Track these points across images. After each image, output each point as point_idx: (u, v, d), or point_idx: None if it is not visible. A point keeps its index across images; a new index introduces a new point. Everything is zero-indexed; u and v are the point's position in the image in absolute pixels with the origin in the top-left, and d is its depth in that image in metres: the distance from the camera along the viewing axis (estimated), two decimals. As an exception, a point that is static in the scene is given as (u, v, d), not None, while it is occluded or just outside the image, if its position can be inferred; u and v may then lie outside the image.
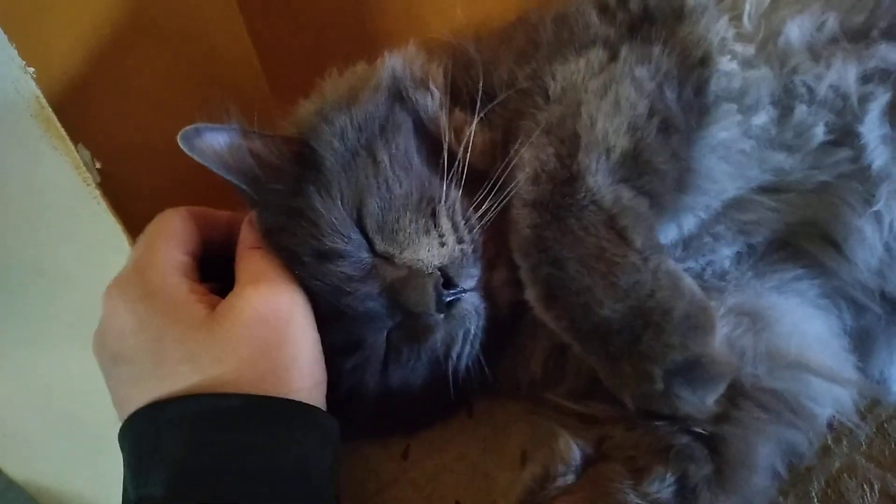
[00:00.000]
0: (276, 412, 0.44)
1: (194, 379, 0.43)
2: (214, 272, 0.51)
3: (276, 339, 0.45)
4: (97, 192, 0.60)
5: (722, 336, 0.44)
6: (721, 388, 0.43)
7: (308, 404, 0.45)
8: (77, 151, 0.57)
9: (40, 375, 0.77)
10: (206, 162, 0.50)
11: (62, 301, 0.69)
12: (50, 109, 0.55)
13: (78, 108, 0.57)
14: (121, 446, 0.44)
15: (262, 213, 0.51)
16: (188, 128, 0.50)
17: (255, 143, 0.52)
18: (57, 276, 0.67)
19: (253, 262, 0.49)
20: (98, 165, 0.59)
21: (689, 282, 0.44)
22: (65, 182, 0.59)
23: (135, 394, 0.44)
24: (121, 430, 0.44)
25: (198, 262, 0.50)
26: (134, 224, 0.61)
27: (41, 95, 0.54)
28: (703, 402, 0.43)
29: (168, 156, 0.63)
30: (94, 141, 0.58)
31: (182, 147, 0.50)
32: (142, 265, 0.48)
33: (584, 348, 0.45)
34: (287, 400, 0.44)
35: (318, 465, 0.44)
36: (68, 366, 0.74)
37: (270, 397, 0.43)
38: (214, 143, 0.51)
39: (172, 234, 0.50)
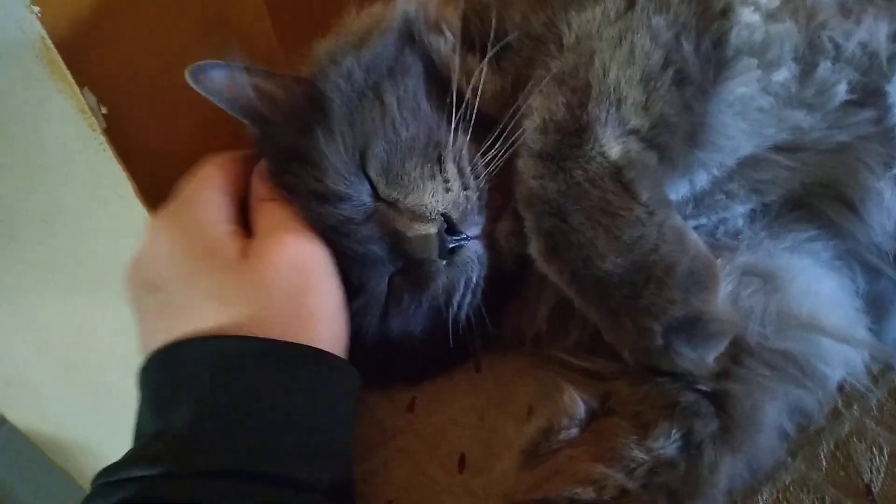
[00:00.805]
0: (301, 358, 0.44)
1: (219, 317, 0.43)
2: None
3: (303, 286, 0.46)
4: (103, 139, 0.59)
5: (726, 294, 0.44)
6: (721, 346, 0.43)
7: (331, 353, 0.45)
8: (83, 95, 0.56)
9: (44, 323, 0.77)
10: (211, 97, 0.51)
11: (67, 248, 0.69)
12: (55, 51, 0.54)
13: (84, 50, 0.56)
14: (140, 382, 0.45)
15: (266, 151, 0.51)
16: (194, 64, 0.50)
17: (260, 81, 0.52)
18: (61, 223, 0.67)
19: (271, 213, 0.49)
20: (104, 110, 0.58)
21: (694, 237, 0.43)
22: (70, 127, 0.58)
23: (161, 325, 0.45)
24: (142, 367, 0.45)
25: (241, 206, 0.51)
26: (140, 172, 0.60)
27: (46, 36, 0.53)
28: (702, 359, 0.42)
29: (176, 103, 0.63)
30: (101, 85, 0.57)
31: (189, 82, 0.50)
32: (188, 200, 0.49)
33: (585, 302, 0.44)
34: (311, 347, 0.44)
35: (338, 413, 0.45)
36: (73, 313, 0.75)
37: (295, 343, 0.44)
38: (219, 79, 0.51)
39: (219, 176, 0.51)
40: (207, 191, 0.50)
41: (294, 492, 0.41)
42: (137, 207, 0.61)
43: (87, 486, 0.98)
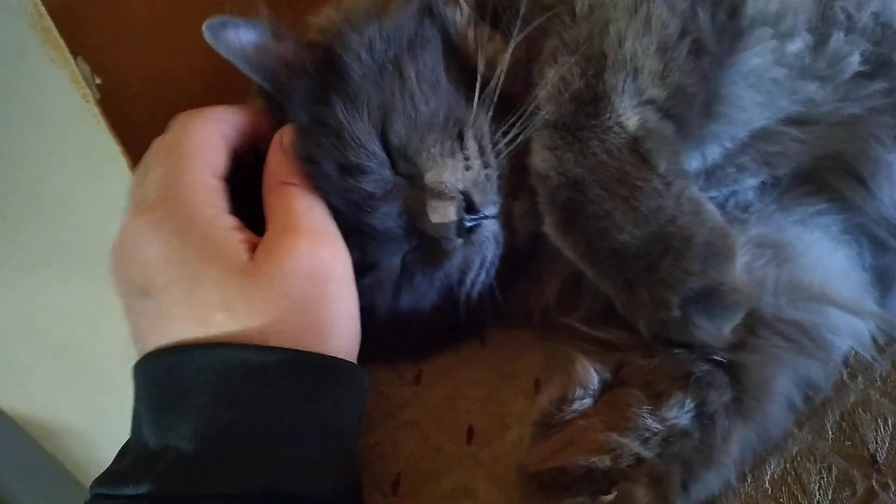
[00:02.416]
0: (315, 369, 0.42)
1: (230, 328, 0.41)
2: (241, 171, 0.48)
3: (318, 295, 0.43)
4: (97, 110, 0.57)
5: (742, 265, 0.44)
6: (739, 317, 0.43)
7: (346, 361, 0.43)
8: (76, 65, 0.55)
9: (34, 303, 0.76)
10: (229, 55, 0.48)
11: (59, 226, 0.67)
12: (49, 18, 0.52)
13: (78, 17, 0.54)
14: (137, 381, 0.42)
15: (286, 115, 0.49)
16: (215, 19, 0.47)
17: (281, 44, 0.50)
18: (54, 199, 0.65)
19: (289, 202, 0.45)
20: (98, 81, 0.56)
21: (711, 209, 0.43)
22: (63, 98, 0.56)
23: (158, 330, 0.42)
24: (139, 364, 0.42)
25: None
26: (135, 145, 0.59)
27: (39, 3, 0.52)
28: (719, 330, 0.43)
29: (172, 74, 0.61)
30: (95, 54, 0.56)
31: (207, 39, 0.47)
32: (172, 189, 0.44)
33: (600, 274, 0.44)
34: (326, 356, 0.42)
35: (350, 422, 0.44)
36: (65, 294, 0.73)
37: (309, 353, 0.41)
38: (239, 37, 0.48)
39: (201, 151, 0.46)
40: (192, 173, 0.44)
41: None
42: (132, 183, 0.59)
43: (75, 471, 0.97)
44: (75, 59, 0.54)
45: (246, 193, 0.47)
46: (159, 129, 0.60)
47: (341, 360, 0.43)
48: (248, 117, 0.50)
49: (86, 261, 0.68)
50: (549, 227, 0.45)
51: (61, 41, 0.53)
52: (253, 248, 0.43)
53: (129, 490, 0.38)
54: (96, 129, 0.58)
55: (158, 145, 0.48)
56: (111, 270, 0.45)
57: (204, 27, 0.47)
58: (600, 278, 0.44)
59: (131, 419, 0.43)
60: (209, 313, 0.41)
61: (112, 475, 0.39)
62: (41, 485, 0.95)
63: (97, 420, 0.87)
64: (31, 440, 0.93)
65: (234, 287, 0.41)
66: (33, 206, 0.66)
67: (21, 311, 0.78)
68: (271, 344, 0.41)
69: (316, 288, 0.43)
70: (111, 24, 0.58)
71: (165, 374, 0.41)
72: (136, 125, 0.59)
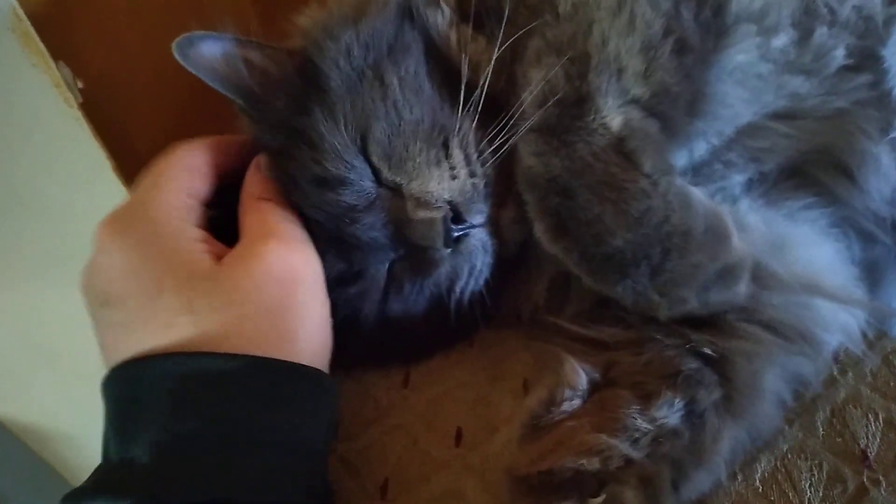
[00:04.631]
0: (275, 375, 0.41)
1: (191, 331, 0.40)
2: (226, 200, 0.48)
3: (285, 299, 0.42)
4: (79, 114, 0.57)
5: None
6: (748, 275, 0.43)
7: (309, 367, 0.43)
8: (58, 69, 0.54)
9: (22, 309, 0.75)
10: (200, 73, 0.48)
11: (44, 231, 0.67)
12: (28, 23, 0.52)
13: (58, 21, 0.54)
14: (103, 397, 0.42)
15: (260, 131, 0.48)
16: (182, 37, 0.47)
17: (253, 55, 0.49)
18: (38, 205, 0.65)
19: (262, 215, 0.46)
20: (80, 85, 0.56)
21: (697, 195, 0.43)
22: (44, 103, 0.56)
23: (122, 342, 0.41)
24: (104, 381, 0.42)
25: (209, 201, 0.47)
26: (119, 149, 0.58)
27: (18, 7, 0.51)
28: (736, 295, 0.43)
29: (155, 76, 0.61)
30: (76, 58, 0.55)
31: (176, 57, 0.47)
32: (143, 204, 0.44)
33: (598, 281, 0.43)
34: (286, 362, 0.41)
35: (315, 430, 0.43)
36: (51, 299, 0.72)
37: (268, 359, 0.41)
38: (209, 53, 0.48)
39: (180, 172, 0.46)
40: (166, 191, 0.45)
41: None
42: (118, 187, 0.59)
43: (70, 477, 0.97)
44: (56, 63, 0.54)
45: (234, 221, 0.47)
46: (143, 132, 0.60)
47: (304, 366, 0.42)
48: (238, 141, 0.50)
49: (75, 266, 0.68)
50: (540, 234, 0.44)
51: (42, 46, 0.53)
52: (219, 258, 0.43)
53: None
54: (80, 134, 0.57)
55: (144, 171, 0.48)
56: (81, 285, 0.45)
57: (173, 46, 0.47)
58: (600, 284, 0.44)
59: (102, 437, 0.42)
60: (171, 318, 0.40)
61: (77, 491, 0.39)
62: (35, 490, 0.95)
63: (91, 426, 0.86)
64: (26, 446, 0.93)
65: (196, 291, 0.41)
66: (21, 213, 0.65)
67: (13, 318, 0.78)
68: (234, 349, 0.40)
69: (284, 292, 0.43)
70: (92, 27, 0.57)
71: (125, 388, 0.40)
72: (121, 129, 0.59)
